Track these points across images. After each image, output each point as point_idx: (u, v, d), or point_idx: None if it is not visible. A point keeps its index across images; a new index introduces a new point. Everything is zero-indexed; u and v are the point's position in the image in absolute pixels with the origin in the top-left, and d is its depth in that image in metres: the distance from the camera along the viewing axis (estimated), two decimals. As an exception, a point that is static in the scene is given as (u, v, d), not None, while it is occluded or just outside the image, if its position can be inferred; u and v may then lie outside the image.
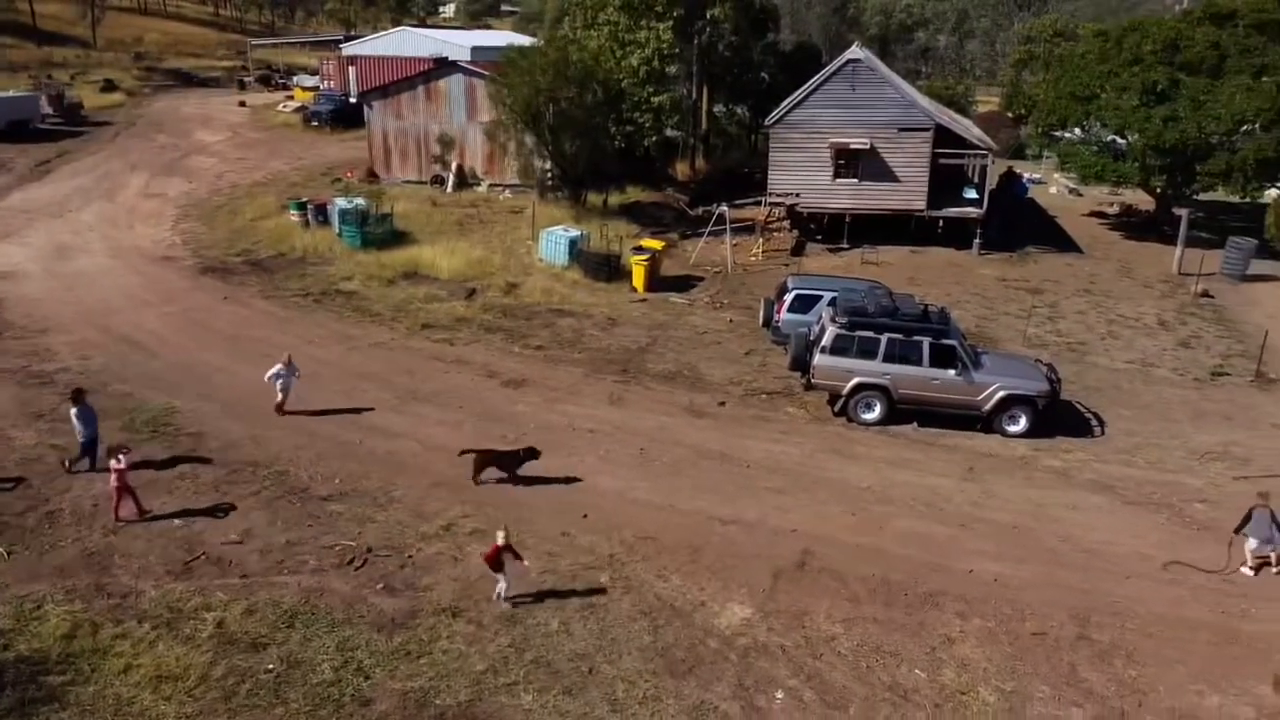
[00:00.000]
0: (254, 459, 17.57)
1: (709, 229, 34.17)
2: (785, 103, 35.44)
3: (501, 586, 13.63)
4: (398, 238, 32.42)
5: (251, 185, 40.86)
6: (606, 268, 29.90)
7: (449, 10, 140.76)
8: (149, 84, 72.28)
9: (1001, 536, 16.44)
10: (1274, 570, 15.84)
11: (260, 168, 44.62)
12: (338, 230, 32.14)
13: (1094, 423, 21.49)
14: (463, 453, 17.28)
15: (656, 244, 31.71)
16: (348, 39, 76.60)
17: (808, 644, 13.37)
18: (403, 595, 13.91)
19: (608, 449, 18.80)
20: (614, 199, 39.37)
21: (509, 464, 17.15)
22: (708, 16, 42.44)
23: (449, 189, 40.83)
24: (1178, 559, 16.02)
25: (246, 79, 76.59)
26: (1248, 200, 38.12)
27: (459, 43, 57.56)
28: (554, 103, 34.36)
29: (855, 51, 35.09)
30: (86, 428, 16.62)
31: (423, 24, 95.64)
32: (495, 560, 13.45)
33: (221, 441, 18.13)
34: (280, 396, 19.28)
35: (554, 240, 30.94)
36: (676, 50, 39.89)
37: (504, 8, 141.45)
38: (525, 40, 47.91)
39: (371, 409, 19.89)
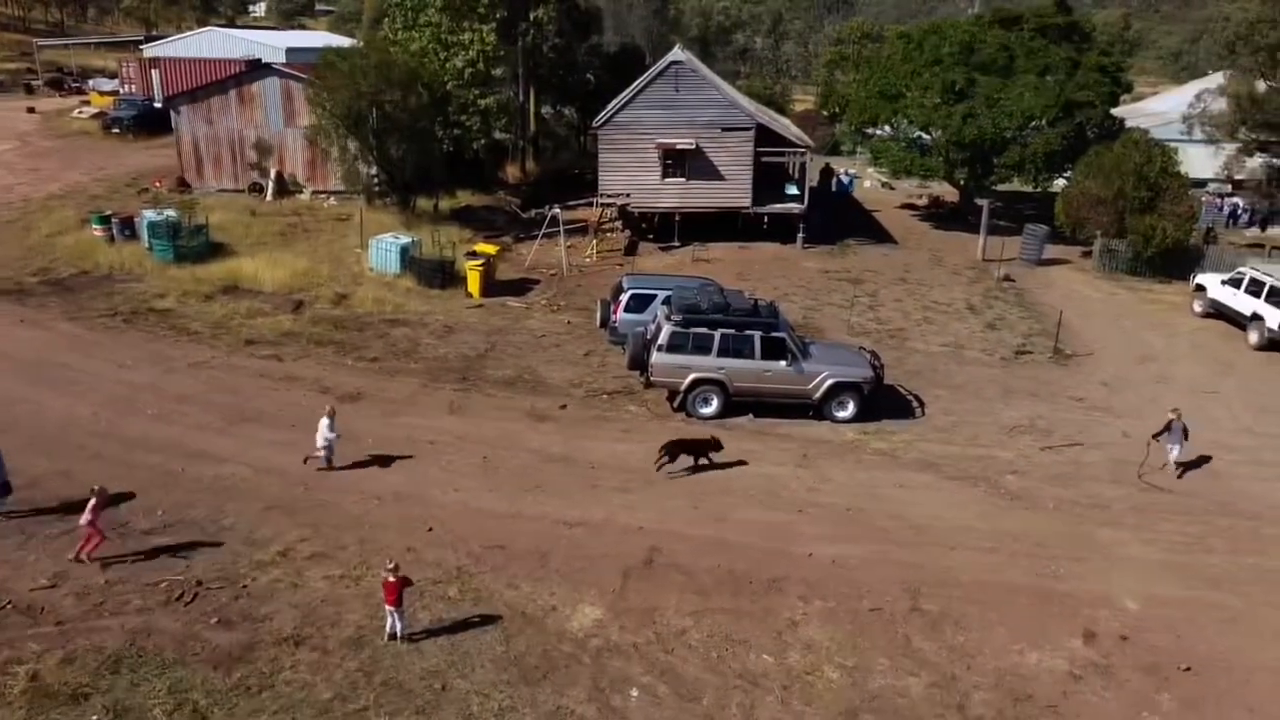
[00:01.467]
0: (64, 496, 16.29)
1: (542, 231, 34.13)
2: (612, 104, 35.80)
3: (399, 624, 13.02)
4: (215, 250, 30.77)
5: (46, 198, 37.79)
6: (440, 274, 29.39)
7: (259, 10, 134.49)
8: (-82, 89, 65.77)
9: (837, 519, 17.21)
10: (1175, 473, 19.54)
11: (55, 179, 41.32)
12: (147, 244, 30.15)
13: (915, 404, 22.79)
14: (663, 447, 18.45)
15: (490, 248, 31.41)
16: (149, 39, 72.05)
17: (659, 639, 13.60)
18: (239, 628, 13.25)
19: (450, 459, 18.52)
20: (445, 204, 38.69)
21: (701, 449, 18.57)
22: (531, 18, 42.34)
23: (269, 197, 39.07)
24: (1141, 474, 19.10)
25: (35, 82, 70.78)
26: (1040, 190, 41.24)
27: (272, 44, 55.22)
28: (377, 106, 33.46)
29: (677, 53, 35.82)
30: None
31: (231, 24, 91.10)
32: (399, 597, 12.86)
33: (25, 478, 16.69)
34: (322, 453, 17.56)
35: (384, 248, 30.14)
36: (501, 52, 39.59)
37: (319, 7, 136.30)
38: (344, 41, 46.43)
39: (194, 432, 18.84)
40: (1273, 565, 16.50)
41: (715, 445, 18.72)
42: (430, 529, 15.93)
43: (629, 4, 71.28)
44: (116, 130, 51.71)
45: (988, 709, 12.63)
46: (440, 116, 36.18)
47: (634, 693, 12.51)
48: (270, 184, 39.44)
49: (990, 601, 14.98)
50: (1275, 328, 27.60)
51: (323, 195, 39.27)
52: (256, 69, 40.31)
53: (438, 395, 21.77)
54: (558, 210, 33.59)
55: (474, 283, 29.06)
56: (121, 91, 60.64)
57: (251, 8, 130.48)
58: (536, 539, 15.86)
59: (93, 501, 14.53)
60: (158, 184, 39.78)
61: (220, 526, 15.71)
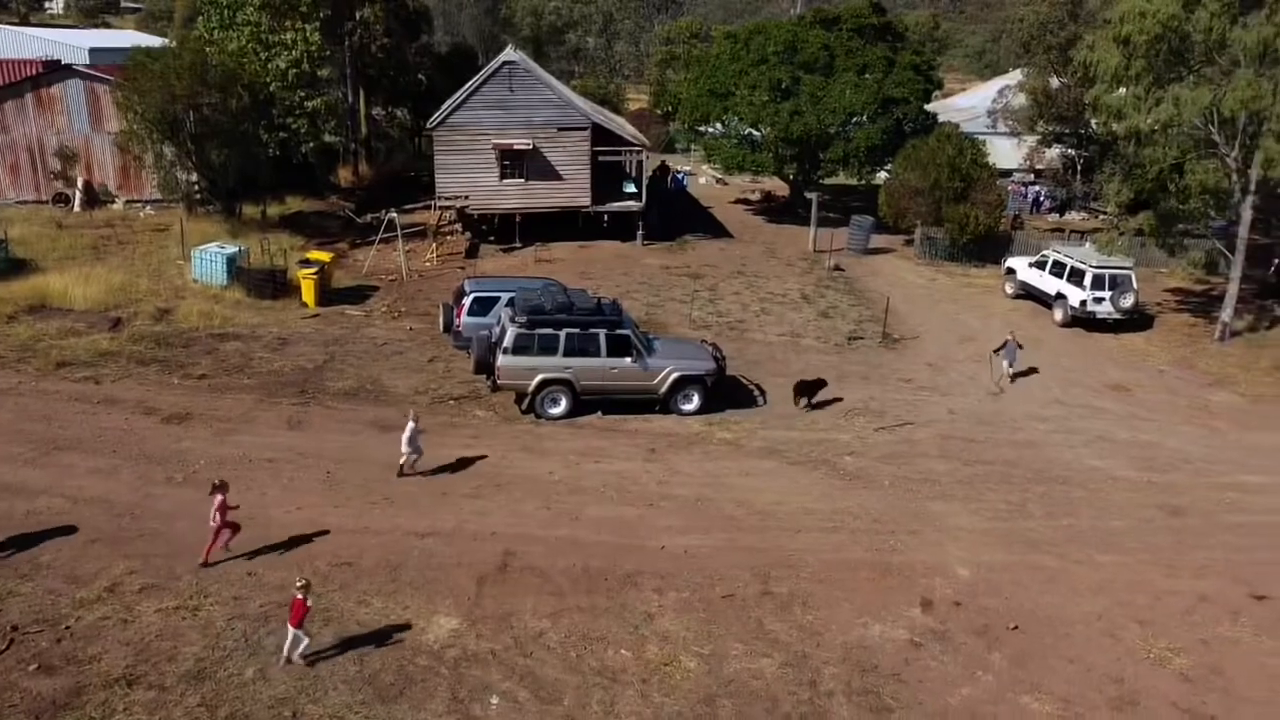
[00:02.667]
0: None
1: (379, 236, 33.27)
2: (446, 105, 35.26)
3: (305, 644, 12.57)
4: (16, 267, 28.46)
5: None
6: (272, 284, 28.19)
7: (56, 6, 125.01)
8: None
9: (686, 510, 17.56)
10: (1009, 381, 24.69)
11: None
12: (-64, 264, 27.67)
13: (757, 394, 23.51)
14: (796, 389, 22.84)
15: (324, 255, 30.32)
16: (-73, 39, 65.72)
17: (517, 644, 13.53)
18: (63, 672, 12.34)
19: (291, 476, 17.82)
20: (273, 210, 37.17)
21: (816, 388, 22.85)
22: (357, 17, 41.20)
23: (77, 208, 36.50)
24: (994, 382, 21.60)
25: None
26: (864, 183, 43.29)
27: (74, 43, 51.55)
28: (194, 109, 31.84)
29: (510, 54, 35.61)
30: None
31: (25, 21, 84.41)
32: (303, 617, 12.44)
33: None
34: (408, 457, 17.92)
35: (208, 258, 28.64)
36: (327, 52, 38.39)
37: (124, 5, 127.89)
38: (154, 41, 43.82)
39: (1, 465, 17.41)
40: (1083, 526, 17.93)
41: (823, 384, 23.10)
42: (273, 550, 15.29)
43: (459, 3, 70.37)
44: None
45: (837, 682, 13.18)
46: (264, 119, 34.76)
47: (494, 700, 12.40)
48: (78, 194, 36.86)
49: (835, 579, 15.63)
50: (1077, 305, 29.95)
51: (138, 204, 37.01)
52: (56, 70, 37.54)
53: (275, 411, 20.90)
54: (394, 214, 32.82)
55: (308, 292, 28.04)
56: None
57: (48, 5, 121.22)
58: (387, 552, 15.48)
59: (219, 499, 14.62)
60: (-54, 197, 36.51)
61: (36, 565, 14.58)
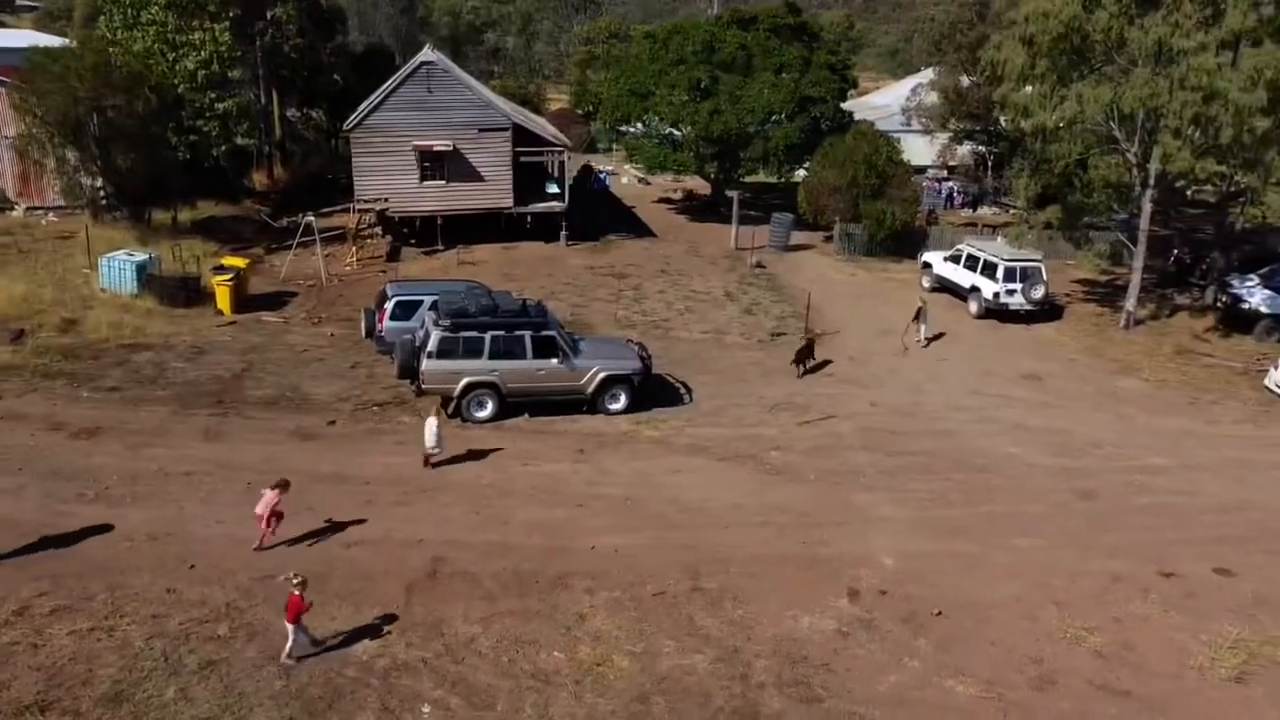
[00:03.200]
0: None
1: (297, 240, 32.56)
2: (363, 106, 34.68)
3: (303, 640, 12.84)
4: (-94, 279, 27.18)
5: None
6: (185, 292, 27.40)
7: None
8: None
9: (616, 510, 17.59)
10: (923, 345, 27.92)
11: None
12: None
13: (683, 391, 23.67)
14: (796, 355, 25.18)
15: (240, 261, 29.56)
16: None
17: (448, 651, 13.39)
18: (-31, 702, 11.83)
19: (210, 489, 17.35)
20: (185, 215, 36.10)
21: (807, 354, 25.22)
22: (269, 17, 40.23)
23: (-28, 216, 34.95)
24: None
25: None
26: (783, 181, 43.88)
27: (-37, 43, 49.15)
28: (98, 112, 30.75)
29: (428, 54, 35.19)
30: None
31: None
32: (300, 613, 12.63)
33: None
34: (433, 449, 18.60)
35: (117, 266, 27.66)
36: (238, 53, 37.43)
37: (20, 3, 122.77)
38: (54, 41, 42.11)
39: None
40: (1001, 511, 18.47)
41: (812, 345, 25.61)
42: (192, 566, 14.86)
43: (374, 2, 69.29)
44: None
45: (768, 675, 13.35)
46: (174, 122, 33.78)
47: (425, 709, 12.26)
48: (-27, 201, 35.29)
49: (764, 573, 15.82)
50: (990, 298, 30.83)
51: (39, 212, 35.57)
52: (-55, 72, 35.91)
53: (191, 422, 20.31)
54: (312, 218, 32.17)
55: (224, 299, 27.31)
56: None
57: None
58: (312, 563, 15.14)
59: (272, 495, 15.25)
60: None
61: (-62, 591, 13.94)
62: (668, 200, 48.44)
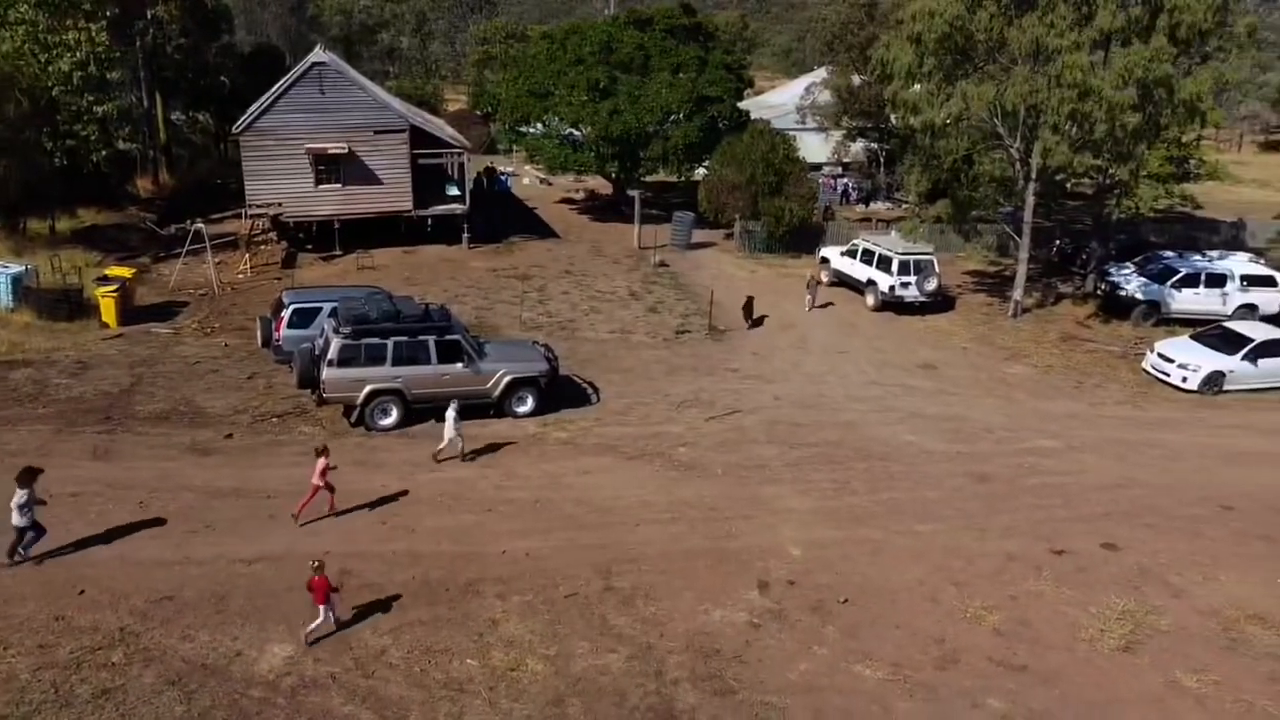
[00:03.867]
0: None
1: (186, 248, 31.44)
2: (252, 109, 33.69)
3: (331, 621, 13.43)
4: None
5: None
6: (66, 304, 26.18)
7: None
8: None
9: (525, 513, 17.51)
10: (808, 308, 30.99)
11: None
12: None
13: (590, 391, 23.69)
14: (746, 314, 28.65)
15: (125, 271, 28.39)
16: None
17: (358, 665, 13.13)
18: None
19: (99, 510, 16.62)
20: (64, 224, 34.52)
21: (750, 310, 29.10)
22: (149, 16, 38.73)
23: None
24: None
25: None
26: (684, 179, 44.26)
27: None
28: (-36, 117, 29.14)
29: (319, 54, 34.39)
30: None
31: None
32: (327, 593, 13.20)
33: None
34: (452, 444, 19.08)
35: (-11, 279, 26.30)
36: (117, 54, 35.91)
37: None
38: (-90, 42, 39.71)
39: None
40: (902, 498, 19.02)
41: (750, 301, 29.11)
42: (82, 591, 14.22)
43: (261, 1, 67.36)
44: None
45: (682, 670, 13.48)
46: (48, 126, 32.19)
47: (336, 725, 12.01)
48: None
49: (675, 569, 15.96)
50: (886, 290, 31.70)
51: (-99, 223, 33.49)
52: None
53: (77, 441, 19.42)
54: (201, 224, 31.10)
55: (109, 311, 26.19)
56: None
57: None
58: (211, 582, 14.68)
59: (322, 462, 16.23)
60: None
61: None
62: (570, 200, 48.37)
